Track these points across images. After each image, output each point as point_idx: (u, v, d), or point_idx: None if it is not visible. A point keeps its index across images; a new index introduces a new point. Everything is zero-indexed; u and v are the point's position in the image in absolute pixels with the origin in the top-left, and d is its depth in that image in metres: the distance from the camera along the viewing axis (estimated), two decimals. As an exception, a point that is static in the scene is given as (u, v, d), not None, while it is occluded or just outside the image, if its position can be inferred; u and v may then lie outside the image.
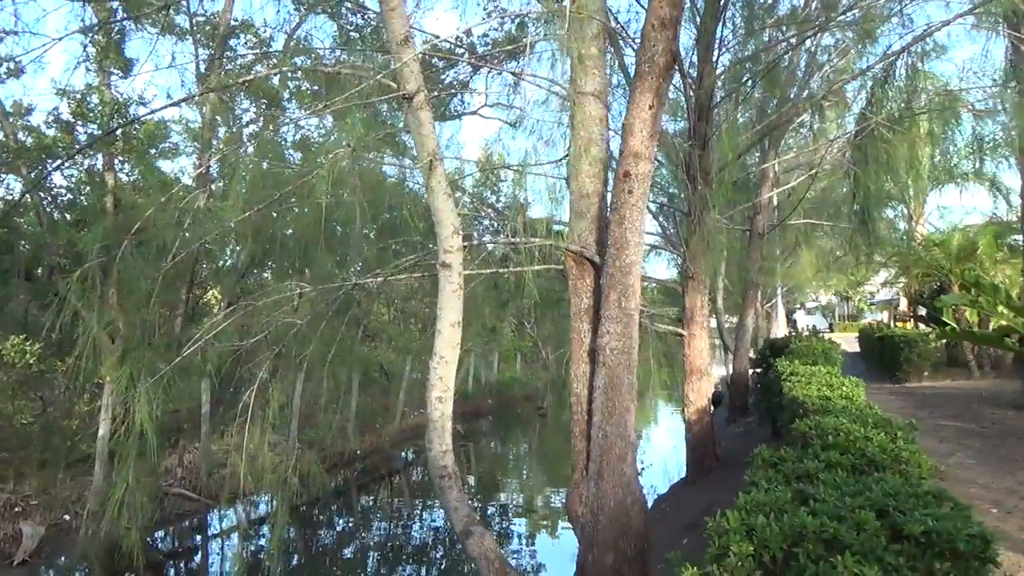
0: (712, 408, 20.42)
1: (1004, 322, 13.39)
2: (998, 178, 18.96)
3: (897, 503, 3.18)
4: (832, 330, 47.08)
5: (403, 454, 22.44)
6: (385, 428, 22.62)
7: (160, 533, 14.93)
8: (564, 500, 9.24)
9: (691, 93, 11.52)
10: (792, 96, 13.77)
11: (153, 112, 14.01)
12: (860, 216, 13.48)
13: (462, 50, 13.04)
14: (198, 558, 14.29)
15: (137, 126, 15.24)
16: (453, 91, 13.36)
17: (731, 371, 17.13)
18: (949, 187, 21.80)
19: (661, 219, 15.62)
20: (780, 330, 27.70)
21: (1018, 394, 13.56)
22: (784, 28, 12.70)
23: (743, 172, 14.36)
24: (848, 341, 29.83)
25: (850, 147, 12.86)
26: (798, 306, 48.63)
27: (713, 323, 21.40)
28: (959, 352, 18.03)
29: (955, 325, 16.78)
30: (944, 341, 18.05)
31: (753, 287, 16.13)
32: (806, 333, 17.29)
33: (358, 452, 20.72)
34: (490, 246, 10.58)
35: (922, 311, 22.28)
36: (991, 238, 16.79)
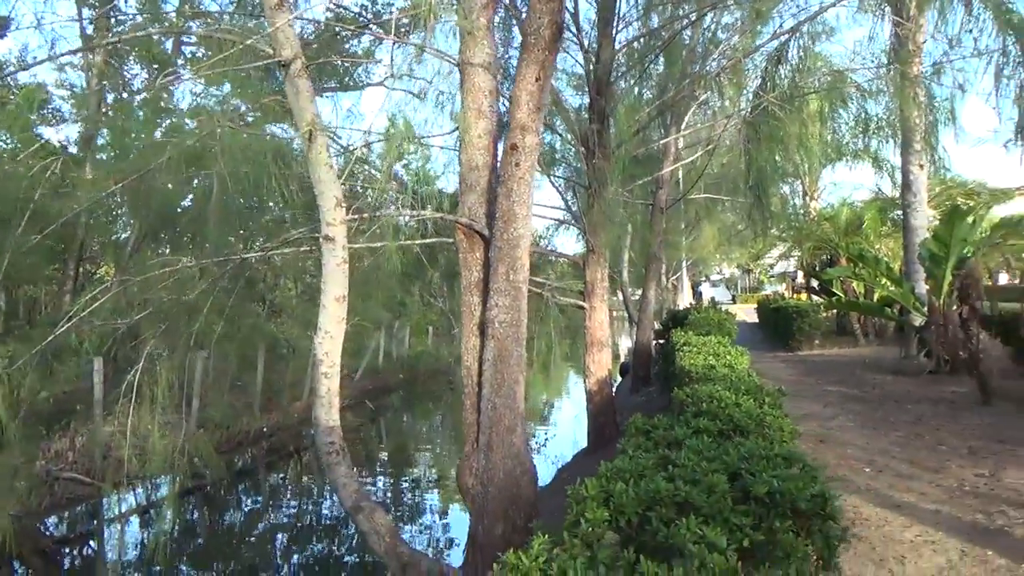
0: (619, 378, 20.89)
1: (885, 293, 14.22)
2: (882, 156, 19.94)
3: (750, 466, 3.32)
4: (735, 302, 48.95)
5: (312, 431, 22.04)
6: (293, 405, 22.15)
7: (52, 519, 14.25)
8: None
9: (591, 67, 11.61)
10: (691, 73, 14.03)
11: (28, 66, 13.15)
12: (755, 192, 13.96)
13: (365, 18, 12.74)
14: (93, 543, 13.73)
15: (15, 90, 14.31)
16: (358, 60, 13.05)
17: (635, 342, 17.54)
18: (841, 164, 22.81)
19: (570, 195, 15.75)
20: (685, 302, 28.54)
21: (897, 360, 14.41)
22: (685, 5, 12.92)
23: (645, 147, 14.60)
24: (749, 312, 31.05)
25: (744, 124, 13.25)
26: (703, 278, 50.24)
27: (620, 296, 21.91)
28: (847, 322, 19.02)
29: (843, 296, 17.70)
30: (834, 311, 19.03)
31: (655, 260, 16.51)
32: (705, 305, 17.88)
33: (264, 430, 20.24)
34: (401, 220, 10.45)
35: (815, 283, 23.36)
36: (875, 213, 17.72)
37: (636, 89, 14.08)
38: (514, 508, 6.08)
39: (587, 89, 11.98)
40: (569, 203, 13.90)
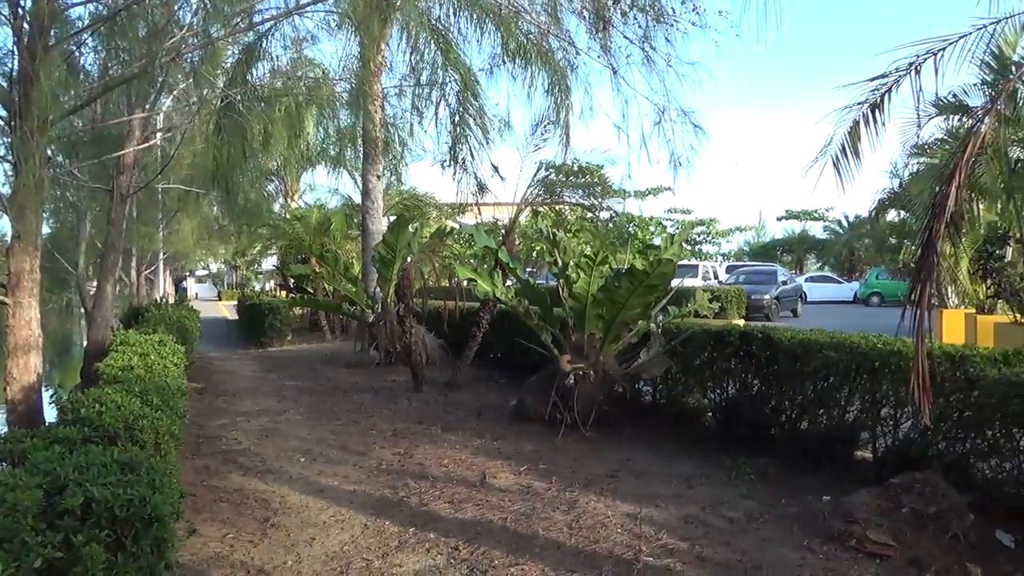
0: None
1: (345, 291, 15.33)
2: (354, 164, 21.43)
3: (85, 476, 3.09)
4: (220, 298, 48.18)
5: None
6: None
7: None
8: None
9: (23, 29, 10.02)
10: (155, 51, 13.10)
11: None
12: (222, 186, 13.74)
13: None
14: None
15: None
16: None
17: (89, 341, 15.76)
18: (322, 167, 23.92)
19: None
20: (162, 297, 26.85)
21: (354, 354, 15.65)
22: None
23: (96, 125, 13.15)
24: (232, 308, 30.73)
25: (214, 116, 12.94)
26: (187, 273, 48.08)
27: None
28: (318, 318, 20.03)
29: (312, 293, 18.60)
30: (308, 308, 19.89)
31: (114, 251, 15.02)
32: (169, 301, 17.01)
33: None
34: None
35: (292, 280, 24.12)
36: (342, 216, 19.05)
37: (87, 58, 12.61)
38: None
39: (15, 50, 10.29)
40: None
